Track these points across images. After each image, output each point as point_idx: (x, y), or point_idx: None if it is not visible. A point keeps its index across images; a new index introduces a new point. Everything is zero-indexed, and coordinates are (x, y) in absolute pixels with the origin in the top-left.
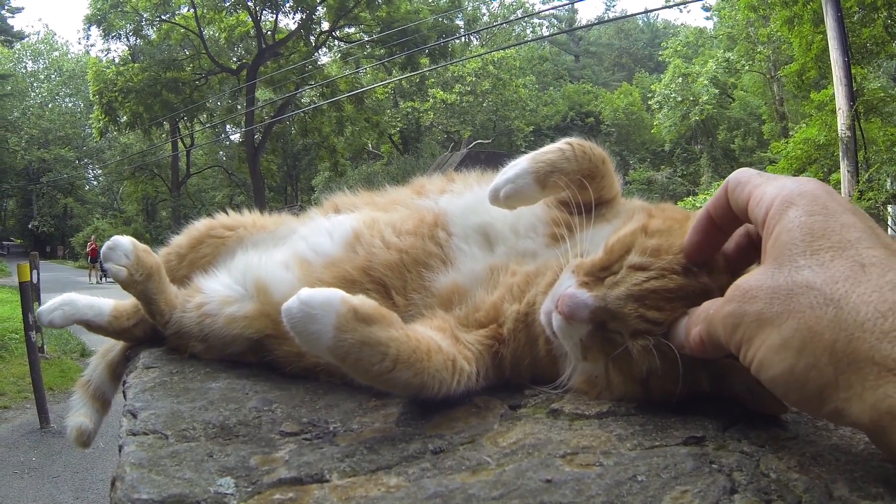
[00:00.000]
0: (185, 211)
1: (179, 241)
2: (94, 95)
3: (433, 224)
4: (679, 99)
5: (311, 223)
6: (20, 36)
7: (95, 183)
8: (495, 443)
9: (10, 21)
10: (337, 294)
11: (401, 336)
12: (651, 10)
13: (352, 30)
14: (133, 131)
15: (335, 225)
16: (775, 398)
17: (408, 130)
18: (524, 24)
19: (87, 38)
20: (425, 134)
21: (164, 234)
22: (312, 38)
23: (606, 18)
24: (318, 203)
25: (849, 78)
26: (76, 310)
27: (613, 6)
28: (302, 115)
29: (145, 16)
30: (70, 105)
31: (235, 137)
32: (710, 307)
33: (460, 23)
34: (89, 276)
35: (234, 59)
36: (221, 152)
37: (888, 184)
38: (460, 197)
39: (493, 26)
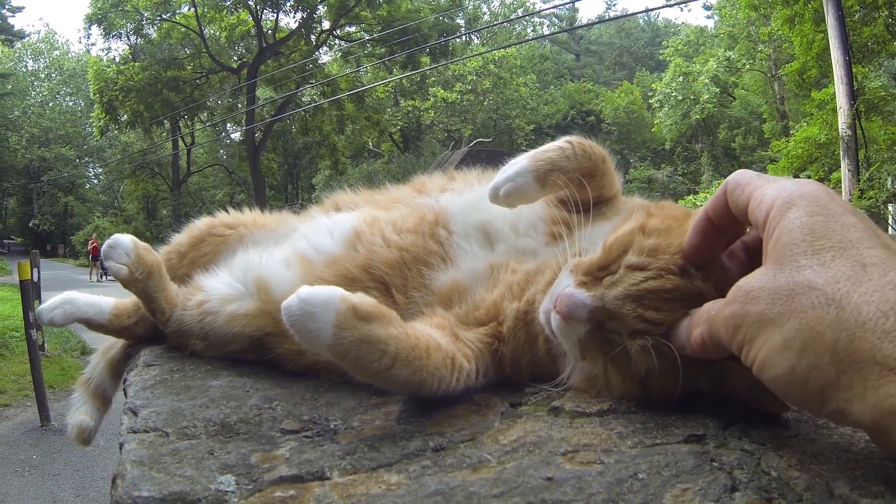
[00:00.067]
0: (186, 209)
1: (180, 239)
2: (94, 94)
3: (434, 222)
4: (680, 98)
5: (311, 221)
6: (21, 35)
7: (96, 181)
8: (496, 440)
9: (10, 20)
10: (336, 292)
11: (400, 334)
12: (652, 9)
13: (352, 28)
14: (134, 130)
15: (336, 223)
16: (776, 398)
17: (408, 129)
18: (525, 22)
19: (88, 37)
20: (426, 132)
21: (164, 233)
22: (313, 37)
23: (607, 17)
24: (319, 201)
25: (850, 77)
26: (76, 308)
27: (614, 5)
28: (303, 113)
29: (146, 15)
30: (71, 104)
31: (236, 136)
32: (711, 308)
33: (461, 21)
34: (90, 274)
35: (235, 58)
36: (222, 151)
37: (889, 183)
38: (461, 195)
39: (494, 25)
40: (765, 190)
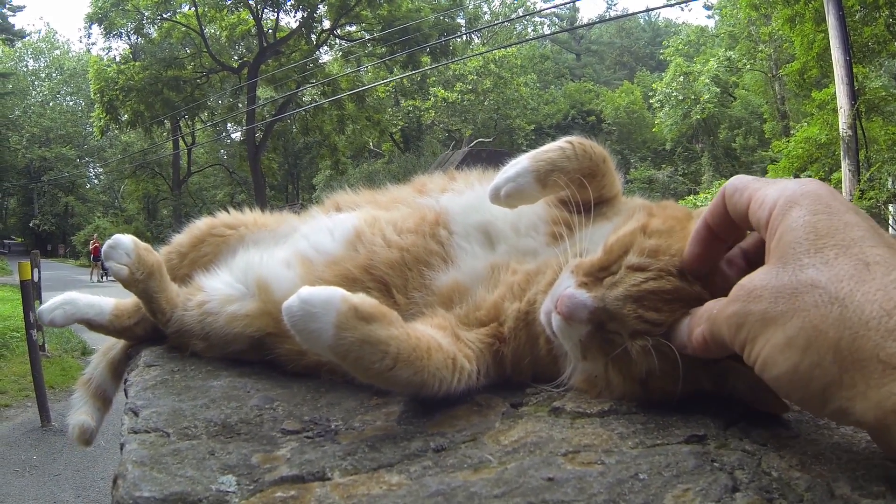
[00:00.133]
0: (187, 209)
1: (181, 239)
2: (95, 94)
3: (434, 222)
4: (680, 97)
5: (312, 222)
6: (21, 34)
7: (96, 181)
8: (497, 441)
9: (11, 19)
10: (337, 292)
11: (401, 334)
12: (652, 9)
13: (353, 28)
14: (134, 130)
15: (336, 223)
16: (777, 398)
17: (409, 129)
18: (525, 22)
19: (89, 37)
20: (426, 132)
21: (165, 233)
22: (314, 37)
23: (608, 17)
24: (320, 201)
25: (850, 77)
26: (77, 309)
27: (615, 4)
28: (303, 113)
29: (146, 14)
30: (71, 103)
31: (236, 136)
32: (713, 307)
33: (461, 21)
34: (91, 274)
35: (236, 58)
36: (222, 151)
37: (889, 183)
38: (461, 195)
39: (495, 25)
40: (766, 191)
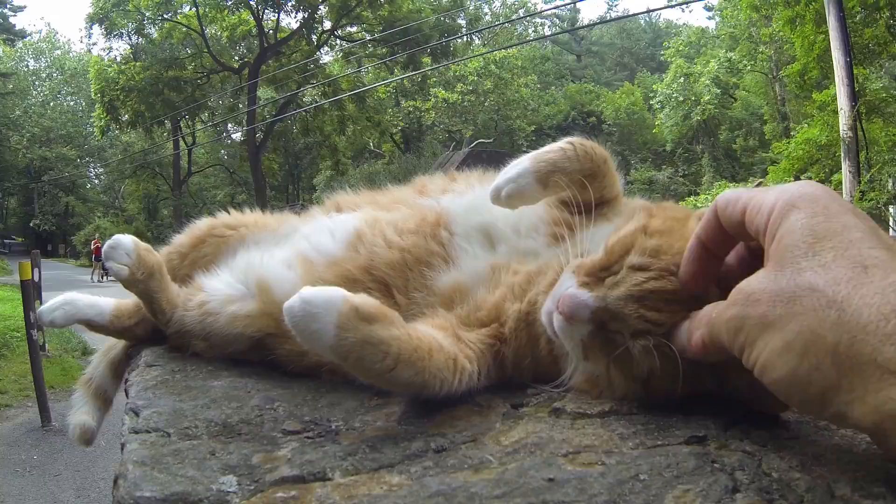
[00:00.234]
0: (187, 210)
1: (181, 240)
2: (95, 94)
3: (435, 223)
4: (681, 99)
5: (312, 222)
6: (22, 34)
7: (97, 181)
8: (497, 441)
9: (12, 19)
10: (339, 293)
11: (402, 335)
12: (653, 10)
13: (354, 29)
14: (135, 130)
15: (337, 224)
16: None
17: (409, 130)
18: (526, 23)
19: (89, 37)
20: (427, 133)
21: (165, 233)
22: (314, 37)
23: (608, 18)
24: (320, 202)
25: (851, 78)
26: (77, 309)
27: (615, 6)
28: (304, 113)
29: (147, 14)
30: (72, 104)
31: (237, 136)
32: (712, 311)
33: (462, 22)
34: (92, 274)
35: (236, 58)
36: (223, 151)
37: (890, 184)
38: (462, 196)
39: (495, 26)
40: (763, 196)
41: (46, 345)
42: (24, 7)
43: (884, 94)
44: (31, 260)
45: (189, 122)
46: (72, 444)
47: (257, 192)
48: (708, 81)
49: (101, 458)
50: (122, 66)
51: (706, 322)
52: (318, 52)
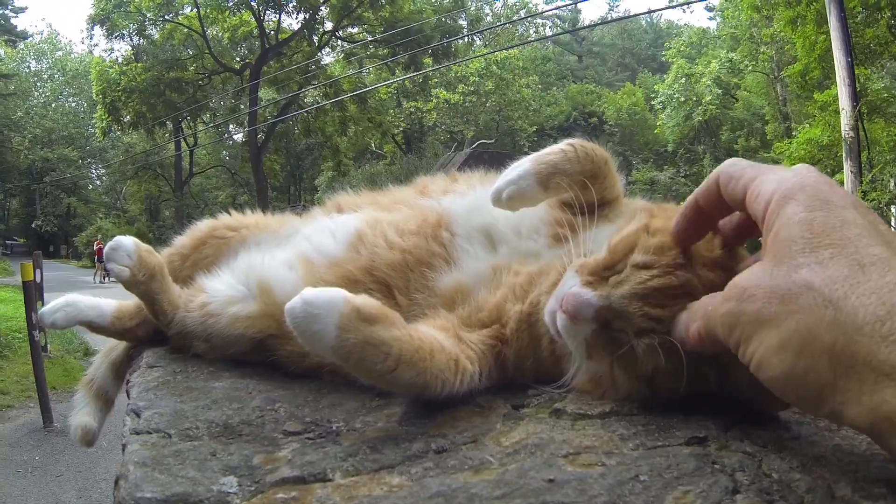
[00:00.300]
0: (189, 211)
1: (182, 241)
2: (97, 95)
3: (436, 224)
4: (682, 99)
5: (314, 223)
6: (24, 35)
7: (98, 182)
8: (498, 442)
9: (13, 21)
10: (340, 294)
11: (404, 336)
12: (654, 11)
13: (355, 30)
14: (136, 131)
15: (338, 225)
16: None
17: (411, 130)
18: (527, 24)
19: (91, 38)
20: (428, 134)
21: (167, 234)
22: (315, 38)
23: (610, 19)
24: (322, 203)
25: (852, 78)
26: (78, 311)
27: (617, 6)
28: (305, 114)
29: (149, 16)
30: (73, 105)
31: (238, 137)
32: (707, 304)
33: (463, 23)
34: (94, 275)
35: (238, 59)
36: (224, 152)
37: (892, 185)
38: (463, 197)
39: (497, 26)
40: (762, 182)
41: (48, 346)
42: (26, 8)
43: (885, 95)
44: (32, 261)
45: (191, 123)
46: (73, 445)
47: (259, 193)
48: (709, 82)
49: (102, 458)
50: (124, 68)
51: (702, 315)
52: (319, 53)
